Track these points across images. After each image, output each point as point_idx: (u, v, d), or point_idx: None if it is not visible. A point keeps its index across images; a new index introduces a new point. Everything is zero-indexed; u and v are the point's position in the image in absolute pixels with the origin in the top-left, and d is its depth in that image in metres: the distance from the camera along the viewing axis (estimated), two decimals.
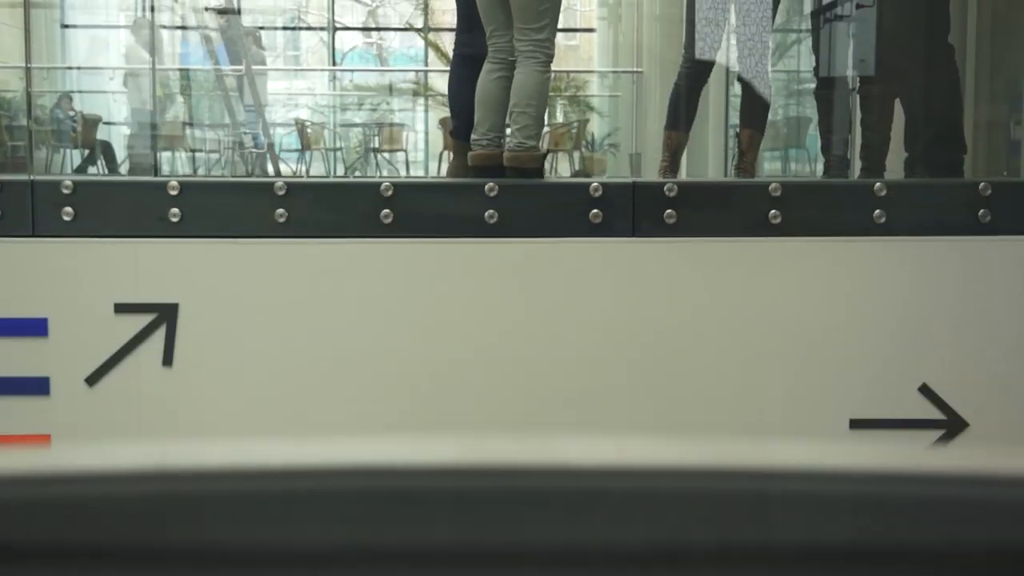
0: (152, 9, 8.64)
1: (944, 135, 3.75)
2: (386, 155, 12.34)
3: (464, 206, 3.44)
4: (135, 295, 3.40)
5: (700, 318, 3.44)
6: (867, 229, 3.44)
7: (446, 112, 13.39)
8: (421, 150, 15.69)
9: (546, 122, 12.01)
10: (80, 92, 12.98)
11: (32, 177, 3.44)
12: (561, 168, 12.53)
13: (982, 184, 3.45)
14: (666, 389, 3.44)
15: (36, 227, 3.41)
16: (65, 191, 3.41)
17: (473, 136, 3.71)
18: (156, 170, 7.44)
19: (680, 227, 3.43)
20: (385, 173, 12.44)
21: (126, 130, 11.84)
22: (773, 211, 3.43)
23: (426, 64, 16.09)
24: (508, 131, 3.67)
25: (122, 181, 3.58)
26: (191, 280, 3.42)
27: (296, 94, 15.03)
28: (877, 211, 3.43)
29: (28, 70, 5.52)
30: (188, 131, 10.77)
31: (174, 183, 3.42)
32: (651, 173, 10.54)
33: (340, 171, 12.68)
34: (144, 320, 3.40)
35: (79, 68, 12.34)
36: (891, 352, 3.44)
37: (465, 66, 3.94)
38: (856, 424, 3.45)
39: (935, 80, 3.74)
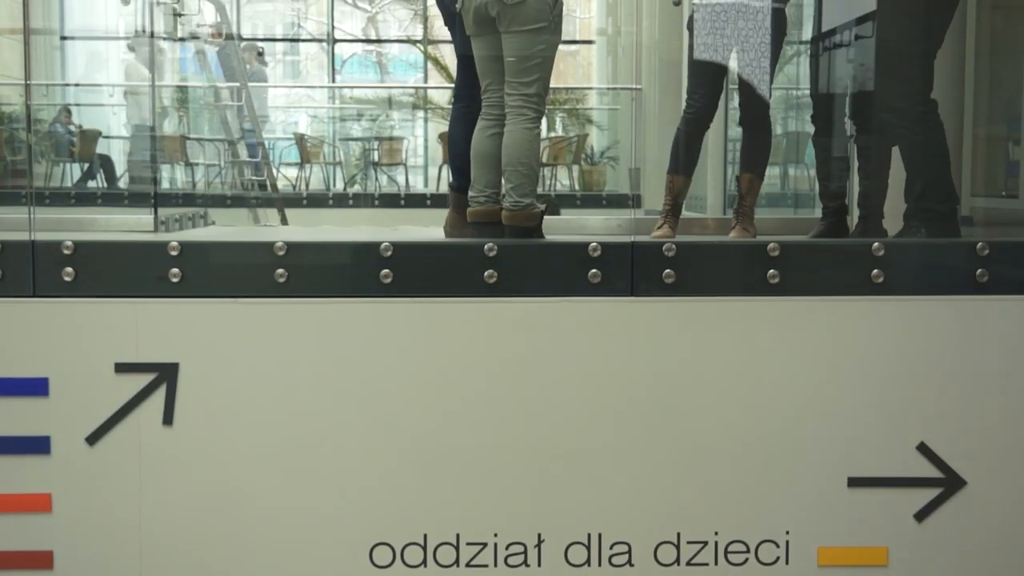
0: (151, 29, 8.63)
1: (931, 187, 3.76)
2: (385, 169, 12.37)
3: (463, 266, 3.45)
4: (135, 355, 3.41)
5: (698, 377, 3.46)
6: (865, 288, 3.45)
7: (445, 126, 13.41)
8: (421, 156, 15.73)
9: (546, 135, 12.04)
10: (79, 105, 12.99)
11: (33, 238, 3.44)
12: (561, 176, 12.55)
13: (980, 244, 3.46)
14: (664, 448, 3.46)
15: (37, 287, 3.42)
16: (66, 251, 3.42)
17: (471, 193, 3.73)
18: (156, 182, 7.47)
19: (679, 287, 3.45)
20: (385, 183, 12.49)
21: (125, 144, 11.87)
22: (771, 271, 3.44)
23: (425, 75, 16.12)
24: (504, 189, 3.68)
25: (123, 242, 3.59)
26: (191, 340, 3.43)
27: (295, 107, 15.05)
28: (875, 271, 3.44)
29: (28, 86, 5.53)
30: (186, 144, 10.76)
31: (174, 243, 3.43)
32: (650, 189, 10.55)
33: (340, 185, 12.71)
34: (144, 380, 3.41)
35: (78, 85, 12.34)
36: (889, 410, 3.45)
37: (465, 121, 3.95)
38: (854, 482, 3.46)
39: (919, 133, 3.74)
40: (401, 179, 12.57)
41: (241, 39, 11.17)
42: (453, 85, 4.15)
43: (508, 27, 3.60)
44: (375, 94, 14.74)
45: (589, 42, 16.17)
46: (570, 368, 3.45)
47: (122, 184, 11.76)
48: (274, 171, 12.61)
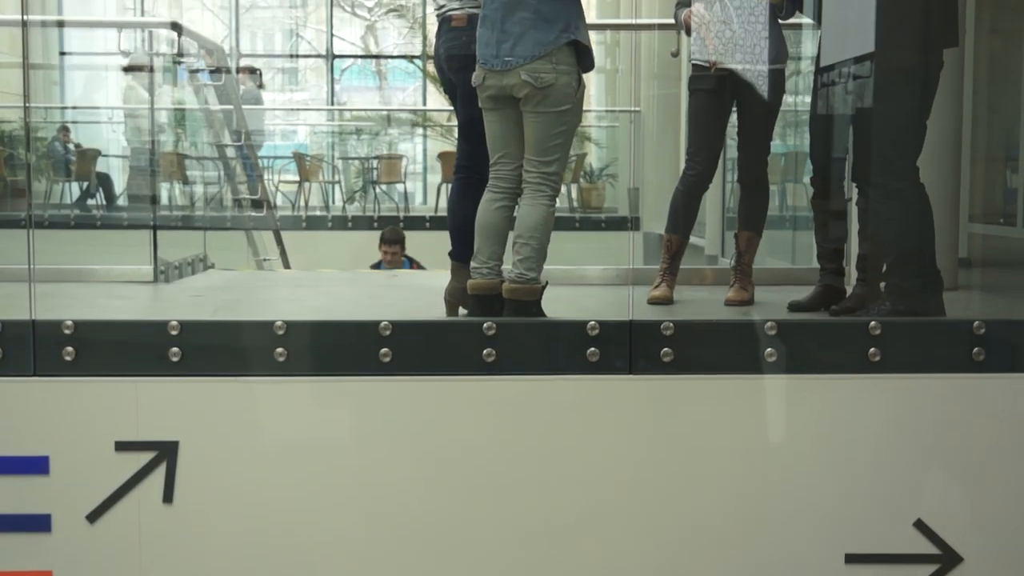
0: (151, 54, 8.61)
1: (910, 260, 3.77)
2: (384, 187, 12.38)
3: (462, 345, 3.46)
4: (136, 433, 3.43)
5: (697, 454, 3.47)
6: (862, 366, 3.46)
7: (445, 144, 13.41)
8: (419, 169, 15.72)
9: None
10: (76, 123, 12.99)
11: (34, 318, 3.45)
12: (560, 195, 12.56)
13: (976, 323, 3.48)
14: (663, 524, 3.47)
15: (37, 367, 3.44)
16: (66, 331, 3.43)
17: (473, 264, 3.73)
18: (155, 199, 7.46)
19: (677, 365, 3.46)
20: (385, 205, 12.48)
21: (124, 163, 11.86)
22: (769, 349, 3.46)
23: (424, 90, 16.12)
24: (510, 260, 3.68)
25: (123, 321, 3.61)
26: (191, 418, 3.44)
27: (293, 124, 15.07)
28: (872, 349, 3.46)
29: (27, 109, 5.54)
30: (184, 163, 10.74)
31: (174, 323, 3.44)
32: (649, 211, 10.56)
33: (339, 202, 12.72)
34: (145, 458, 3.43)
35: (75, 107, 12.34)
36: (886, 487, 3.47)
37: (466, 192, 3.95)
38: (852, 559, 3.48)
39: (897, 209, 3.75)
40: (400, 196, 12.58)
41: (239, 71, 11.23)
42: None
43: (534, 108, 3.60)
44: (376, 112, 14.76)
45: None
46: (569, 446, 3.46)
47: (121, 201, 11.79)
48: (273, 187, 12.65)
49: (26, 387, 3.43)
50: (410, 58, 18.75)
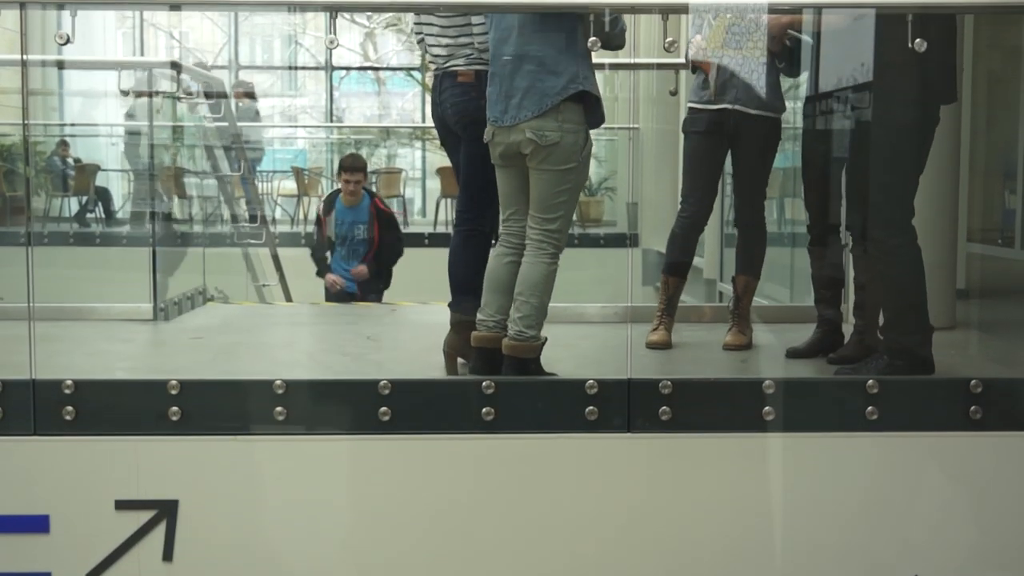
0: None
1: (906, 315, 3.77)
2: (383, 200, 12.34)
3: (461, 403, 3.48)
4: (136, 492, 3.44)
5: (695, 512, 3.49)
6: (859, 424, 3.48)
7: (445, 159, 13.41)
8: (419, 175, 15.71)
9: None
10: (76, 136, 12.99)
11: (34, 378, 3.46)
12: None
13: (973, 381, 3.49)
14: None
15: (37, 426, 3.45)
16: (66, 391, 3.44)
17: (480, 316, 3.72)
18: (153, 216, 7.46)
19: (675, 423, 3.47)
20: None
21: (123, 177, 11.87)
22: (767, 408, 3.47)
23: (423, 102, 16.12)
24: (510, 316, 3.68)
25: (123, 381, 3.62)
26: (191, 477, 3.46)
27: (291, 138, 15.06)
28: (869, 408, 3.47)
29: (25, 127, 5.53)
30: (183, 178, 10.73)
31: (174, 382, 3.45)
32: (647, 227, 10.56)
33: None
34: (145, 516, 3.44)
35: (74, 124, 12.35)
36: (883, 545, 3.48)
37: (467, 245, 3.95)
38: None
39: (891, 265, 3.76)
40: (398, 210, 12.56)
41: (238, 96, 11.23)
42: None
43: (539, 165, 3.59)
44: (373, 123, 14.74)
45: None
46: (567, 504, 3.48)
47: (121, 214, 11.79)
48: (272, 201, 12.66)
49: (26, 446, 3.44)
50: (408, 70, 18.75)
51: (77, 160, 12.24)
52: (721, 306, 5.32)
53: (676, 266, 4.60)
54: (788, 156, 7.43)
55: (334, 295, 7.18)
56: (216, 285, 7.95)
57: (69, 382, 3.45)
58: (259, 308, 6.24)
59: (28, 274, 3.88)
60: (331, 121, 17.03)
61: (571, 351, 4.30)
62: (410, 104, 20.11)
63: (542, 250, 3.63)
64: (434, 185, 13.07)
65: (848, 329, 4.30)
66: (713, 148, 4.50)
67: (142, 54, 17.29)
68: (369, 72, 20.72)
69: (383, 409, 3.44)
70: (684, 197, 4.56)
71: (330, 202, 7.42)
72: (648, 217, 10.47)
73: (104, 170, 11.83)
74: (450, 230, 11.40)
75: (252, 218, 9.39)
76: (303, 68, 20.07)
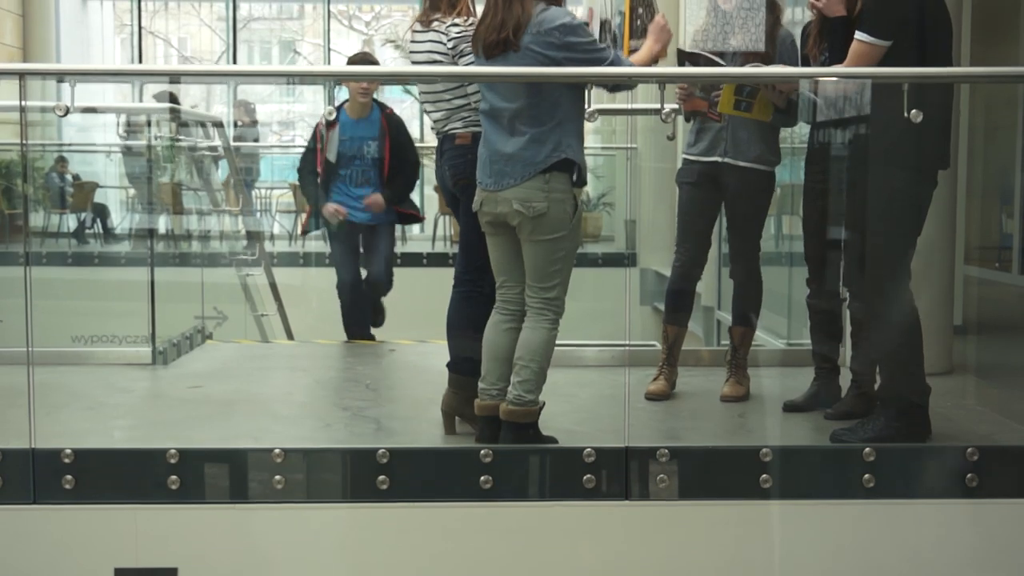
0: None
1: (903, 376, 3.79)
2: None
3: (459, 472, 3.49)
4: (135, 560, 3.45)
5: None
6: (856, 492, 3.49)
7: None
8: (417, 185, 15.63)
9: None
10: (74, 151, 12.97)
11: (33, 447, 3.48)
12: None
13: (970, 449, 3.51)
14: None
15: (37, 495, 3.46)
16: (66, 460, 3.46)
17: (481, 385, 3.71)
18: (152, 234, 7.48)
19: (672, 491, 3.49)
20: None
21: (122, 195, 11.86)
22: (764, 475, 3.48)
23: (420, 123, 16.06)
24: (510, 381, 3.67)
25: (123, 450, 3.64)
26: (190, 545, 3.47)
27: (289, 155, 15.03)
28: (866, 475, 3.49)
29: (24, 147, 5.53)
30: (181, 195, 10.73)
31: (173, 451, 3.46)
32: (645, 247, 10.54)
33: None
34: None
35: (72, 145, 12.34)
36: None
37: (466, 306, 3.94)
38: None
39: (895, 321, 3.78)
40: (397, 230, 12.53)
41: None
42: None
43: (529, 236, 3.59)
44: None
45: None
46: (566, 572, 3.49)
47: (119, 231, 11.78)
48: (271, 217, 12.64)
49: (26, 515, 3.45)
50: (406, 87, 18.69)
51: (76, 177, 12.23)
52: (720, 350, 5.32)
53: (675, 316, 4.61)
54: (784, 174, 7.43)
55: (337, 231, 6.06)
56: (215, 305, 7.98)
57: (68, 451, 3.47)
58: (258, 349, 6.23)
59: (27, 316, 3.89)
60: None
61: (569, 403, 4.31)
62: (408, 111, 20.07)
63: (543, 316, 3.63)
64: (430, 193, 13.05)
65: (844, 382, 4.32)
66: (705, 199, 4.48)
67: (140, 61, 17.25)
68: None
69: (381, 478, 3.46)
70: (677, 247, 4.57)
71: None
72: (645, 237, 10.50)
73: (102, 187, 11.81)
74: (449, 248, 11.42)
75: (249, 236, 9.40)
76: (299, 81, 20.05)
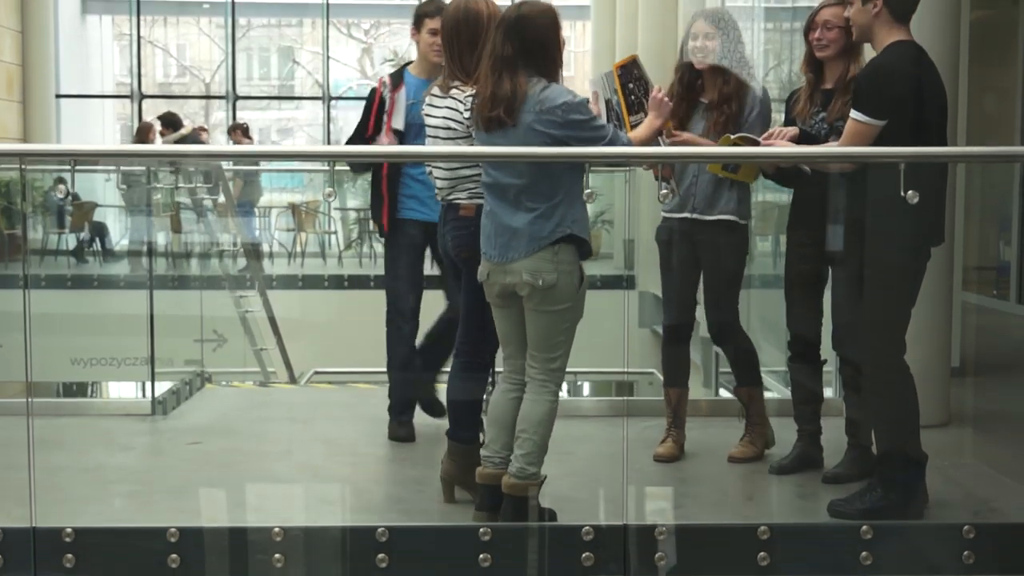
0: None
1: (899, 447, 3.80)
2: (380, 237, 12.32)
3: (458, 550, 3.51)
4: None
5: None
6: (854, 569, 3.51)
7: None
8: None
9: None
10: (75, 170, 12.95)
11: (34, 525, 3.49)
12: None
13: (966, 527, 3.53)
14: None
15: (38, 574, 3.47)
16: (67, 539, 3.47)
17: (485, 452, 3.71)
18: (151, 251, 7.49)
19: (671, 569, 3.50)
20: (380, 251, 12.43)
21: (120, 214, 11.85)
22: (762, 553, 3.50)
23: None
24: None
25: (123, 528, 3.64)
26: None
27: (288, 171, 15.02)
28: (864, 552, 3.51)
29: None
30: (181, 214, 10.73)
31: (173, 529, 3.48)
32: (644, 267, 10.54)
33: (335, 247, 12.71)
34: None
35: (74, 169, 12.33)
36: None
37: (465, 377, 3.95)
38: None
39: (884, 402, 3.79)
40: None
41: (232, 130, 11.23)
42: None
43: (537, 306, 3.60)
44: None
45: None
46: None
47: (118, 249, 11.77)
48: (269, 236, 12.65)
49: None
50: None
51: (75, 196, 12.22)
52: (720, 400, 5.35)
53: (674, 379, 4.61)
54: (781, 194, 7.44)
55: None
56: (215, 328, 7.99)
57: (69, 530, 3.48)
58: (256, 395, 6.23)
59: (26, 350, 3.90)
60: (328, 142, 17.05)
61: (568, 464, 4.30)
62: None
63: (545, 388, 3.64)
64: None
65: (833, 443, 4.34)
66: (683, 259, 4.44)
67: (139, 68, 17.26)
68: (364, 80, 20.70)
69: (380, 556, 3.47)
70: (665, 312, 4.58)
71: (398, 77, 4.70)
72: (643, 257, 10.50)
73: (101, 206, 11.81)
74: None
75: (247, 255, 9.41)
76: (300, 98, 20.09)
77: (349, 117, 20.74)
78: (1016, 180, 8.75)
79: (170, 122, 11.79)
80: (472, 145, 3.82)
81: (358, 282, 10.61)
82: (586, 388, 8.17)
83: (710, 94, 4.30)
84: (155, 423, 5.11)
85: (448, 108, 3.91)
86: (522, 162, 3.60)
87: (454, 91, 3.90)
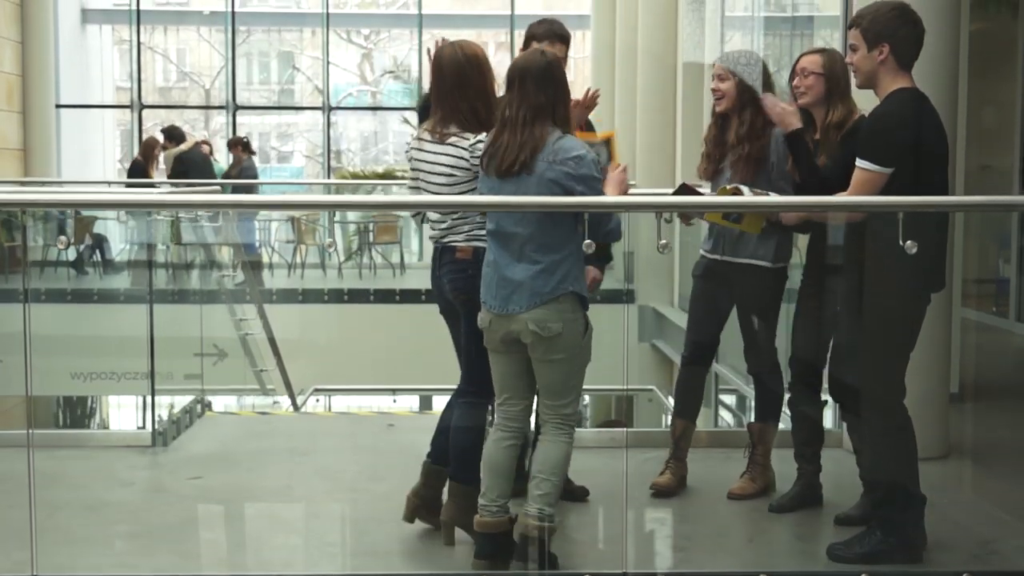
0: None
1: (893, 495, 3.80)
2: (380, 248, 12.43)
3: None
4: None
5: None
6: None
7: None
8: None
9: None
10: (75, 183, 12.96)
11: (35, 574, 3.50)
12: None
13: (965, 574, 3.53)
14: None
15: None
16: None
17: (482, 501, 3.69)
18: (150, 265, 7.48)
19: None
20: (380, 262, 12.51)
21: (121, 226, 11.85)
22: None
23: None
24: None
25: None
26: None
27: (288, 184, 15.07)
28: None
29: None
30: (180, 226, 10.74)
31: None
32: (643, 282, 10.55)
33: (335, 258, 12.73)
34: None
35: (75, 192, 12.35)
36: None
37: (469, 414, 3.91)
38: None
39: (885, 447, 3.79)
40: (396, 257, 12.60)
41: (232, 144, 11.17)
42: None
43: (542, 356, 3.59)
44: (370, 168, 14.72)
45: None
46: None
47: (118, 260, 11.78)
48: (269, 248, 12.67)
49: None
50: (405, 118, 18.73)
51: (76, 210, 12.23)
52: (720, 432, 5.35)
53: (684, 410, 4.61)
54: None
55: None
56: (214, 343, 7.99)
57: None
58: (257, 424, 6.22)
59: (26, 374, 3.90)
60: (328, 150, 17.05)
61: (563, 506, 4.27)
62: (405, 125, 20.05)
63: (560, 431, 3.63)
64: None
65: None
66: (713, 295, 4.49)
67: (139, 77, 17.29)
68: (366, 96, 20.72)
69: None
70: (686, 343, 4.59)
71: None
72: (642, 271, 10.50)
73: (102, 219, 11.80)
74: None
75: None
76: (300, 108, 20.07)
77: (349, 122, 20.81)
78: (1016, 194, 8.75)
79: (173, 135, 11.81)
80: (474, 190, 3.81)
81: (358, 296, 10.63)
82: (585, 399, 8.20)
83: (730, 137, 4.32)
84: (155, 456, 5.12)
85: (450, 156, 3.85)
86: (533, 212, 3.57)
87: (453, 138, 3.84)
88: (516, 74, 3.65)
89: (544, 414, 3.66)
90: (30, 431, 3.95)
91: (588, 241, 3.55)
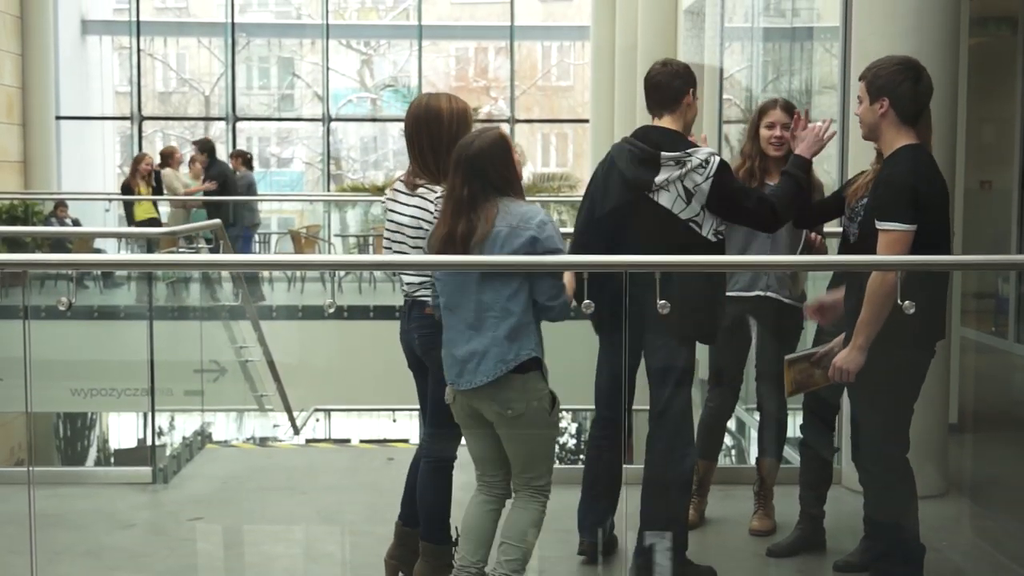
0: None
1: (894, 545, 3.80)
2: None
3: None
4: None
5: None
6: None
7: None
8: None
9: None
10: (75, 196, 12.97)
11: None
12: None
13: None
14: None
15: None
16: None
17: (460, 563, 3.63)
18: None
19: None
20: (379, 275, 12.47)
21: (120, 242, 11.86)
22: None
23: None
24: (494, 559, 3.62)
25: None
26: None
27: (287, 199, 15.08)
28: None
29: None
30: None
31: None
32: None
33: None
34: None
35: (74, 195, 12.37)
36: None
37: (434, 474, 3.83)
38: None
39: (891, 489, 3.80)
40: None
41: (232, 156, 11.17)
42: None
43: (508, 432, 3.53)
44: (369, 181, 14.72)
45: (584, 121, 16.14)
46: None
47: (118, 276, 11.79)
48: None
49: None
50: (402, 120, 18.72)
51: (75, 222, 12.26)
52: (729, 468, 5.33)
53: (707, 451, 4.61)
54: None
55: None
56: (213, 358, 7.99)
57: None
58: (257, 459, 6.21)
59: (27, 404, 3.90)
60: (328, 158, 17.05)
61: (569, 545, 4.24)
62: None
63: (533, 499, 3.58)
64: None
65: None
66: (738, 344, 4.51)
67: (139, 91, 17.30)
68: (365, 102, 20.73)
69: None
70: (710, 390, 4.60)
71: None
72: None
73: (102, 235, 11.82)
74: None
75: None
76: (299, 119, 20.06)
77: (348, 128, 20.83)
78: (1014, 215, 8.75)
79: (205, 147, 11.69)
80: None
81: (358, 312, 10.62)
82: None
83: (775, 178, 4.31)
84: (156, 494, 5.12)
85: (416, 208, 3.76)
86: (488, 278, 3.46)
87: (422, 189, 3.76)
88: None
89: (516, 483, 3.60)
90: (30, 468, 3.95)
91: (588, 301, 3.52)
